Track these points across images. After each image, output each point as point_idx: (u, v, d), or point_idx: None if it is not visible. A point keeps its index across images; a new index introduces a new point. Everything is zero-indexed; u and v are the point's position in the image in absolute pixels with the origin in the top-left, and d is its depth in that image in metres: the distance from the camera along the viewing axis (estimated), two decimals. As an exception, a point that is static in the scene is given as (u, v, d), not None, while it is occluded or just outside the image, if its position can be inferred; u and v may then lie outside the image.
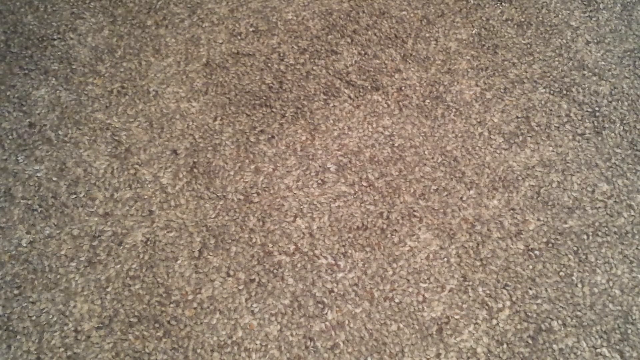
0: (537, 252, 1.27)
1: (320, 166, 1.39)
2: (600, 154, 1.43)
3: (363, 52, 1.60)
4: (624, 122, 1.49)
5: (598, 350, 1.16)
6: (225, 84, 1.52)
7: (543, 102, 1.52)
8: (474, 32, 1.65)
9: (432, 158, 1.41)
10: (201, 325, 1.16)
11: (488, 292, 1.22)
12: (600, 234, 1.30)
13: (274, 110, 1.48)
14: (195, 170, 1.37)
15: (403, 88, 1.53)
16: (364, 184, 1.36)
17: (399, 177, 1.37)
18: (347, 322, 1.18)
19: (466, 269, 1.24)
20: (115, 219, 1.29)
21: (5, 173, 1.35)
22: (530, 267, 1.25)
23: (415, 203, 1.33)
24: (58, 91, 1.49)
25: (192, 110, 1.47)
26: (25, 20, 1.64)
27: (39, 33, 1.61)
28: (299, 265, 1.24)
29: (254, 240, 1.27)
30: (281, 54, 1.59)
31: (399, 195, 1.34)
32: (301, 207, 1.32)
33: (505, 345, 1.15)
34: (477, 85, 1.54)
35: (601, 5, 1.73)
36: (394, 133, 1.44)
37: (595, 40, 1.65)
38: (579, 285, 1.23)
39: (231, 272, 1.23)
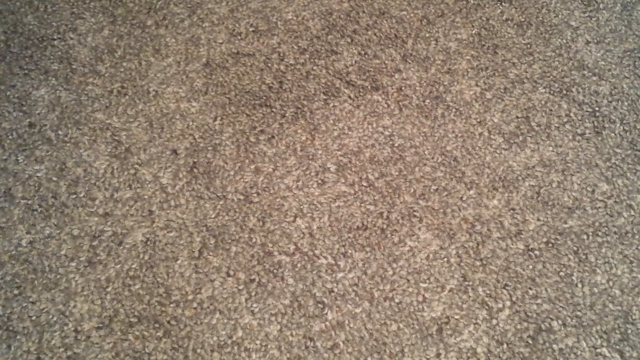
0: (537, 252, 1.27)
1: (320, 166, 1.39)
2: (600, 154, 1.43)
3: (363, 52, 1.60)
4: (624, 122, 1.49)
5: (598, 350, 1.16)
6: (225, 84, 1.52)
7: (543, 102, 1.52)
8: (474, 32, 1.65)
9: (432, 158, 1.41)
10: (201, 325, 1.16)
11: (488, 292, 1.22)
12: (600, 234, 1.30)
13: (274, 110, 1.48)
14: (195, 170, 1.37)
15: (403, 88, 1.53)
16: (364, 184, 1.36)
17: (399, 177, 1.37)
18: (347, 322, 1.18)
19: (466, 269, 1.24)
20: (115, 219, 1.29)
21: (5, 173, 1.35)
22: (530, 267, 1.25)
23: (415, 203, 1.33)
24: (58, 91, 1.49)
25: (192, 110, 1.47)
26: (25, 20, 1.64)
27: (39, 33, 1.61)
28: (299, 265, 1.24)
29: (254, 240, 1.27)
30: (281, 54, 1.59)
31: (399, 195, 1.34)
32: (301, 207, 1.32)
33: (505, 345, 1.15)
34: (477, 85, 1.54)
35: (601, 5, 1.73)
36: (394, 133, 1.44)
37: (595, 40, 1.65)
38: (579, 285, 1.23)
39: (231, 272, 1.23)
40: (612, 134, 1.46)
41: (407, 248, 1.27)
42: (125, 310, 1.18)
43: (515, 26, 1.67)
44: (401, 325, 1.17)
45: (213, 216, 1.30)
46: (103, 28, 1.63)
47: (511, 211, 1.33)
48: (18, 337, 1.14)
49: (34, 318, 1.16)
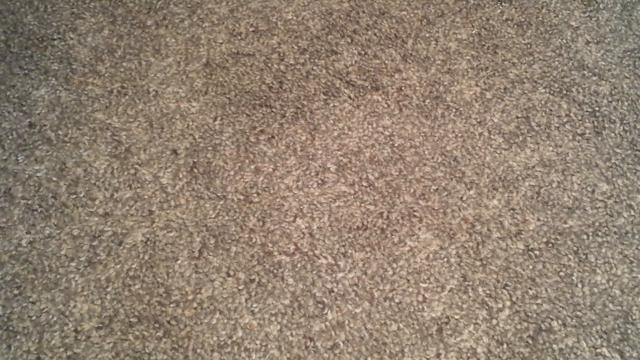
0: (537, 252, 1.27)
1: (320, 166, 1.39)
2: (600, 154, 1.43)
3: (363, 52, 1.60)
4: (624, 122, 1.49)
5: (598, 350, 1.16)
6: (225, 84, 1.52)
7: (543, 102, 1.52)
8: (474, 32, 1.65)
9: (432, 158, 1.41)
10: (201, 325, 1.16)
11: (488, 292, 1.22)
12: (600, 234, 1.30)
13: (274, 110, 1.48)
14: (195, 170, 1.37)
15: (403, 88, 1.53)
16: (364, 184, 1.36)
17: (399, 177, 1.37)
18: (347, 322, 1.18)
19: (466, 269, 1.24)
20: (115, 219, 1.29)
21: (5, 173, 1.35)
22: (530, 267, 1.25)
23: (415, 203, 1.33)
24: (58, 91, 1.49)
25: (192, 110, 1.47)
26: (25, 20, 1.64)
27: (39, 33, 1.61)
28: (299, 265, 1.24)
29: (254, 240, 1.27)
30: (281, 54, 1.59)
31: (399, 195, 1.34)
32: (301, 207, 1.32)
33: (505, 345, 1.15)
34: (477, 85, 1.54)
35: (601, 5, 1.73)
36: (394, 133, 1.44)
37: (595, 40, 1.65)
38: (579, 285, 1.23)
39: (231, 272, 1.23)
40: (612, 134, 1.46)
41: (407, 248, 1.27)
42: (125, 310, 1.18)
43: (515, 26, 1.67)
44: (401, 325, 1.17)
45: (213, 216, 1.30)
46: (103, 28, 1.63)
47: (511, 211, 1.33)
48: (18, 337, 1.14)
49: (34, 318, 1.16)
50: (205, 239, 1.27)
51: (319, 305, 1.19)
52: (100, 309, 1.18)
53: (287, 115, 1.47)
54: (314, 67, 1.56)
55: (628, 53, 1.62)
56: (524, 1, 1.73)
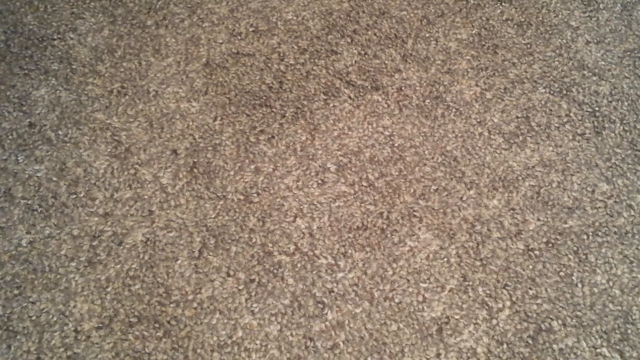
0: (537, 252, 1.27)
1: (320, 166, 1.39)
2: (600, 154, 1.43)
3: (363, 52, 1.60)
4: (624, 122, 1.49)
5: (598, 350, 1.16)
6: (225, 84, 1.52)
7: (543, 102, 1.52)
8: (474, 32, 1.65)
9: (432, 158, 1.41)
10: (201, 325, 1.16)
11: (488, 292, 1.22)
12: (600, 234, 1.30)
13: (274, 110, 1.48)
14: (195, 170, 1.37)
15: (403, 88, 1.53)
16: (364, 184, 1.36)
17: (399, 177, 1.37)
18: (347, 322, 1.18)
19: (466, 269, 1.24)
20: (115, 219, 1.29)
21: (5, 173, 1.35)
22: (530, 267, 1.25)
23: (415, 203, 1.33)
24: (58, 91, 1.49)
25: (192, 110, 1.47)
26: (25, 20, 1.64)
27: (39, 33, 1.61)
28: (299, 265, 1.24)
29: (254, 240, 1.27)
30: (281, 54, 1.59)
31: (399, 195, 1.34)
32: (301, 207, 1.32)
33: (505, 345, 1.15)
34: (477, 85, 1.54)
35: (601, 5, 1.73)
36: (394, 133, 1.44)
37: (595, 40, 1.65)
38: (579, 285, 1.23)
39: (231, 272, 1.23)
40: (612, 134, 1.46)
41: (407, 248, 1.27)
42: (125, 310, 1.18)
43: (515, 26, 1.67)
44: (401, 325, 1.17)
45: (213, 216, 1.30)
46: (103, 28, 1.63)
47: (511, 211, 1.33)
48: (18, 337, 1.14)
49: (34, 318, 1.16)
50: (205, 239, 1.27)
51: (319, 305, 1.19)
52: (100, 309, 1.18)
53: (287, 115, 1.47)
54: (314, 67, 1.56)
55: (628, 53, 1.62)
56: (524, 1, 1.73)
